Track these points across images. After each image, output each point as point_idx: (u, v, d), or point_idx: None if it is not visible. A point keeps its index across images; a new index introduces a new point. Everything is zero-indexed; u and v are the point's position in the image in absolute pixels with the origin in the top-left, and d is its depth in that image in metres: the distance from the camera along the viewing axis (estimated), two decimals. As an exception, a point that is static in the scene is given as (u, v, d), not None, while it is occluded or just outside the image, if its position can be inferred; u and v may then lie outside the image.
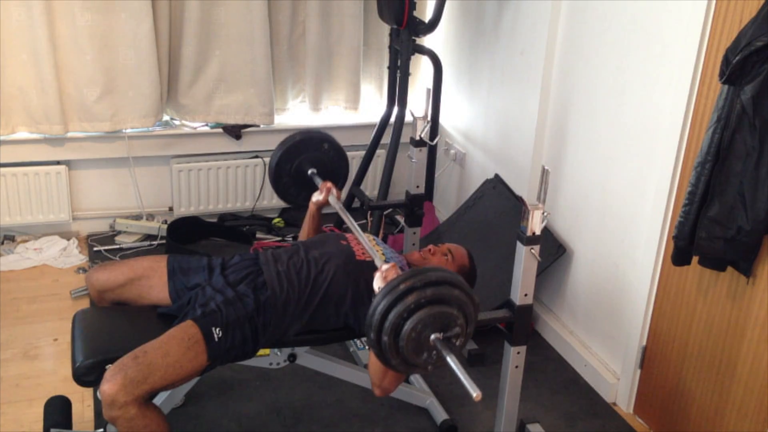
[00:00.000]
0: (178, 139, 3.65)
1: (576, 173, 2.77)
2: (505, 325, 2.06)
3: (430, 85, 3.32)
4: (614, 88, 2.52)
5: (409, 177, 2.74)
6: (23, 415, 2.38)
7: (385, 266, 1.88)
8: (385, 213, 3.73)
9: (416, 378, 2.62)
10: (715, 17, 2.05)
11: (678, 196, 2.25)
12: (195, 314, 1.94)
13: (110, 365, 1.82)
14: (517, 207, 2.98)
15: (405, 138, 3.11)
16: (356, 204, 3.59)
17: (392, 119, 3.38)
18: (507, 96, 3.20)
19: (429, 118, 2.63)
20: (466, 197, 3.42)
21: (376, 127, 3.51)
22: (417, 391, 2.51)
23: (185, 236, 3.57)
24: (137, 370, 1.76)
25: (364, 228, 3.47)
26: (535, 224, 1.87)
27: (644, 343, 2.48)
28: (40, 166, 3.46)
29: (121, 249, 3.53)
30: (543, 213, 1.87)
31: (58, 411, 2.17)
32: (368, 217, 3.57)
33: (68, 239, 3.56)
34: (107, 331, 2.06)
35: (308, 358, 2.27)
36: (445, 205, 3.91)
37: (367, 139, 3.56)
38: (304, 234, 2.50)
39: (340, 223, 3.57)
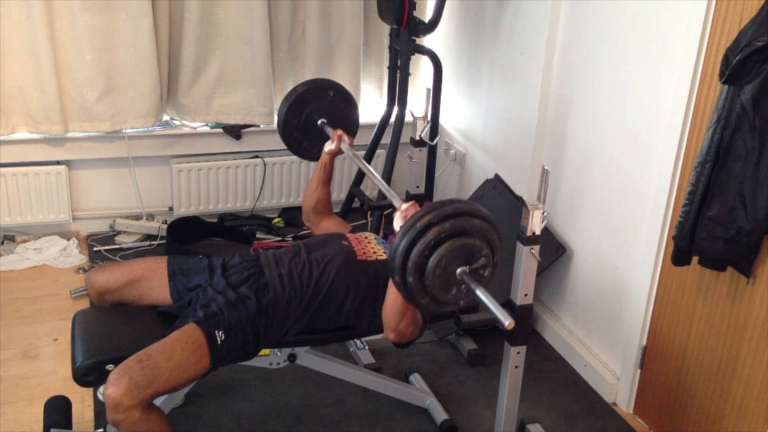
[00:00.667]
0: (178, 139, 3.65)
1: (576, 173, 2.77)
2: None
3: (430, 85, 3.32)
4: (614, 88, 2.52)
5: (409, 177, 2.74)
6: (23, 415, 2.38)
7: (404, 205, 1.84)
8: (385, 213, 3.72)
9: (416, 378, 2.62)
10: (715, 17, 2.05)
11: (678, 196, 2.25)
12: (197, 316, 1.93)
13: (110, 365, 1.82)
14: (517, 207, 2.97)
15: (405, 138, 3.11)
16: (356, 204, 3.60)
17: (392, 119, 3.38)
18: (507, 96, 3.20)
19: (429, 118, 2.63)
20: (466, 197, 3.43)
21: (376, 127, 3.51)
22: (417, 391, 2.52)
23: (185, 236, 3.57)
24: (142, 374, 1.75)
25: (363, 228, 3.47)
26: (535, 224, 1.87)
27: (644, 343, 2.48)
28: (40, 166, 3.46)
29: (121, 249, 3.53)
30: (543, 213, 1.87)
31: (58, 411, 2.17)
32: (368, 217, 3.56)
33: (68, 239, 3.56)
34: (107, 331, 2.06)
35: (308, 358, 2.27)
36: (445, 205, 3.91)
37: (367, 139, 3.56)
38: (312, 185, 2.46)
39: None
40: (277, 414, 2.46)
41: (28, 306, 3.04)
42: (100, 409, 2.31)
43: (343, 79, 3.81)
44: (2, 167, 3.39)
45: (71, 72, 3.31)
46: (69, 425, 2.14)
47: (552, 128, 2.91)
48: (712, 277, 2.15)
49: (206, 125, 3.70)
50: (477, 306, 2.28)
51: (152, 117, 3.49)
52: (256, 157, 3.79)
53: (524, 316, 2.00)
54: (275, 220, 3.86)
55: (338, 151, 2.44)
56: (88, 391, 2.46)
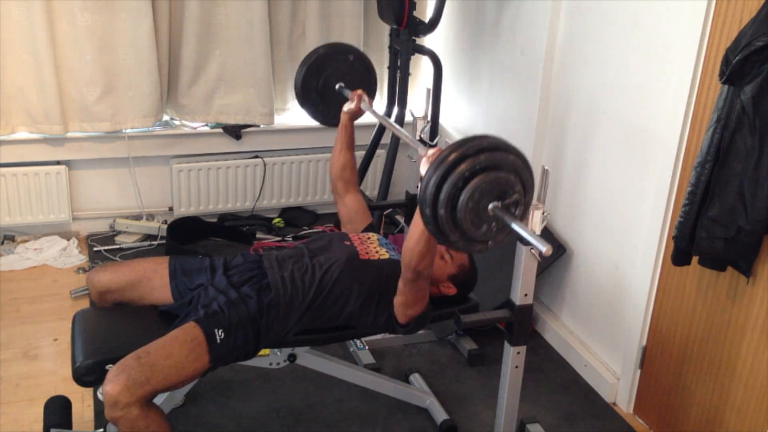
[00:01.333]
0: (178, 139, 3.65)
1: (576, 173, 2.77)
2: (505, 325, 2.06)
3: (430, 85, 3.31)
4: (614, 88, 2.52)
5: (409, 177, 2.74)
6: (23, 415, 2.38)
7: (430, 150, 1.80)
8: (385, 213, 3.73)
9: (416, 378, 2.62)
10: (715, 17, 2.05)
11: (678, 196, 2.25)
12: (197, 315, 1.94)
13: (110, 365, 1.82)
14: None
15: (405, 138, 3.10)
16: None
17: (392, 119, 3.37)
18: (507, 96, 3.20)
19: (429, 118, 2.62)
20: (466, 197, 3.42)
21: (376, 127, 3.51)
22: (417, 391, 2.52)
23: (185, 236, 3.57)
24: (140, 372, 1.76)
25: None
26: (535, 224, 1.87)
27: (644, 343, 2.48)
28: (40, 166, 3.46)
29: (121, 249, 3.53)
30: (543, 213, 1.87)
31: (58, 411, 2.17)
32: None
33: (68, 239, 3.56)
34: (107, 331, 2.06)
35: (308, 358, 2.27)
36: (445, 205, 3.91)
37: (367, 139, 3.55)
38: (337, 149, 2.42)
39: (339, 223, 3.56)
40: (277, 414, 2.46)
41: (28, 306, 3.04)
42: (100, 409, 2.31)
43: (343, 79, 3.81)
44: (2, 167, 3.39)
45: (71, 72, 3.31)
46: (69, 425, 2.15)
47: (552, 128, 2.91)
48: (712, 277, 2.15)
49: (206, 125, 3.70)
50: (477, 306, 2.28)
51: (152, 117, 3.49)
52: (256, 157, 3.79)
53: (524, 316, 2.00)
54: (275, 220, 3.86)
55: (358, 110, 2.38)
56: (88, 391, 2.46)
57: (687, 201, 1.98)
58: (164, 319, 2.06)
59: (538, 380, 2.71)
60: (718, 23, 2.04)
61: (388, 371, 2.68)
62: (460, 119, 3.68)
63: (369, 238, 2.28)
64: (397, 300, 2.01)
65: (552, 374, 2.77)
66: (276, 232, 3.76)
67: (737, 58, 1.77)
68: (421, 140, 2.62)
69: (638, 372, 2.52)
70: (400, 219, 3.76)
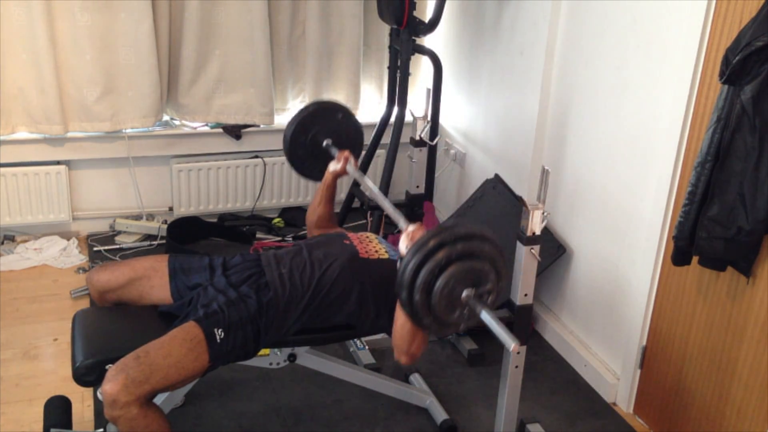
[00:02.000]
0: (178, 139, 3.65)
1: (576, 173, 2.77)
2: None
3: (430, 85, 3.32)
4: (614, 88, 2.52)
5: (409, 177, 2.74)
6: (23, 415, 2.38)
7: (411, 227, 1.85)
8: (384, 213, 3.73)
9: (416, 378, 2.62)
10: (715, 17, 2.05)
11: (678, 196, 2.25)
12: (197, 315, 1.94)
13: (110, 365, 1.82)
14: (517, 207, 2.97)
15: (405, 138, 3.11)
16: (356, 204, 3.60)
17: (392, 119, 3.37)
18: (507, 96, 3.20)
19: (429, 118, 2.63)
20: (466, 197, 3.42)
21: (376, 127, 3.51)
22: (417, 391, 2.52)
23: (185, 236, 3.57)
24: (139, 371, 1.76)
25: (363, 228, 3.47)
26: (535, 224, 1.87)
27: (644, 343, 2.48)
28: (40, 166, 3.46)
29: (121, 249, 3.53)
30: (543, 213, 1.87)
31: (58, 411, 2.17)
32: (368, 217, 3.56)
33: (68, 239, 3.56)
34: (107, 331, 2.06)
35: (308, 358, 2.27)
36: (445, 205, 3.91)
37: (367, 139, 3.55)
38: (315, 203, 2.47)
39: (341, 222, 3.56)
40: (277, 414, 2.46)
41: (28, 306, 3.04)
42: (100, 409, 2.31)
43: (343, 80, 3.82)
44: (2, 167, 3.39)
45: (71, 72, 3.31)
46: (69, 425, 2.15)
47: (552, 128, 2.91)
48: (712, 277, 2.15)
49: (206, 125, 3.70)
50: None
51: (152, 117, 3.49)
52: (256, 157, 3.79)
53: (524, 316, 2.00)
54: (275, 220, 3.86)
55: (343, 172, 2.45)
56: (88, 391, 2.46)
57: (687, 201, 1.98)
58: (164, 319, 2.07)
59: (538, 380, 2.71)
60: (718, 23, 2.04)
61: (388, 371, 2.68)
62: (460, 119, 3.68)
63: (368, 237, 2.28)
64: (397, 353, 1.94)
65: (552, 374, 2.77)
66: (276, 232, 3.76)
67: (737, 58, 1.77)
68: (420, 140, 2.62)
69: (638, 372, 2.52)
70: (400, 219, 3.75)
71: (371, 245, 2.21)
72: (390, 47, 3.37)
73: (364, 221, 3.66)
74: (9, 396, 2.48)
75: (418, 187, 2.70)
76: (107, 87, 3.37)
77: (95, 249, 3.51)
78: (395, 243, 3.53)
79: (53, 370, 2.63)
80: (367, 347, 2.78)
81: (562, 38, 2.80)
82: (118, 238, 3.60)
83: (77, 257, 3.45)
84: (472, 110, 3.55)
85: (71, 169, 3.55)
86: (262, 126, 3.73)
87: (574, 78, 2.74)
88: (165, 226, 3.57)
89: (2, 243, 3.52)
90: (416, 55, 3.33)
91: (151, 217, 3.76)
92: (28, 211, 3.50)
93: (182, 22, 3.43)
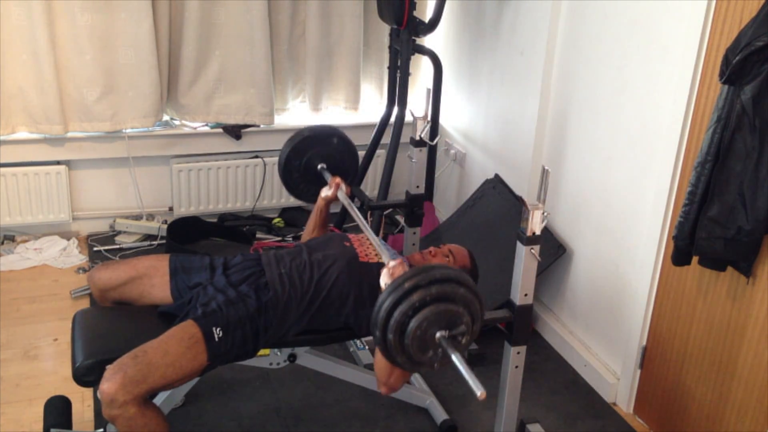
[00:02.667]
0: (178, 139, 3.65)
1: (576, 173, 2.77)
2: (505, 325, 2.06)
3: (430, 85, 3.32)
4: (614, 88, 2.52)
5: (409, 177, 2.73)
6: (23, 415, 2.38)
7: (392, 262, 1.88)
8: (385, 213, 3.73)
9: (416, 378, 2.62)
10: (715, 17, 2.05)
11: (678, 196, 2.25)
12: (196, 314, 1.94)
13: (110, 365, 1.82)
14: (517, 207, 2.98)
15: (405, 138, 3.10)
16: (356, 204, 3.59)
17: (392, 119, 3.38)
18: (507, 96, 3.20)
19: (429, 118, 2.63)
20: (466, 197, 3.42)
21: (376, 127, 3.51)
22: (417, 391, 2.51)
23: (185, 236, 3.57)
24: (137, 370, 1.76)
25: (364, 228, 3.47)
26: (535, 224, 1.87)
27: (644, 343, 2.48)
28: (40, 166, 3.46)
29: (121, 249, 3.53)
30: (543, 213, 1.87)
31: (58, 411, 2.17)
32: (368, 217, 3.57)
33: (68, 239, 3.56)
34: (107, 331, 2.06)
35: (308, 358, 2.27)
36: (445, 205, 3.91)
37: (367, 139, 3.56)
38: (309, 229, 2.50)
39: (340, 224, 3.57)
40: (277, 414, 2.46)
41: (28, 306, 3.04)
42: (100, 409, 2.29)
43: (343, 79, 3.82)
44: (2, 167, 3.39)
45: (71, 72, 3.31)
46: (69, 425, 2.15)
47: (552, 128, 2.91)
48: (712, 277, 2.15)
49: (206, 125, 3.70)
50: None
51: (152, 117, 3.49)
52: (256, 157, 3.79)
53: (524, 316, 2.00)
54: (275, 220, 3.86)
55: (334, 198, 2.47)
56: (88, 391, 2.46)
57: (687, 201, 1.98)
58: (164, 319, 2.07)
59: (538, 380, 2.71)
60: (718, 23, 2.04)
61: (388, 371, 2.68)
62: (460, 119, 3.68)
63: (368, 239, 2.28)
64: (378, 383, 1.97)
65: (552, 374, 2.77)
66: (276, 232, 3.76)
67: (737, 58, 1.77)
68: (420, 140, 2.62)
69: (638, 372, 2.52)
70: (400, 219, 3.76)
71: (371, 248, 2.21)
72: (390, 47, 3.37)
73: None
74: (9, 396, 2.48)
75: (418, 187, 2.70)
76: (107, 87, 3.37)
77: (95, 249, 3.51)
78: (395, 244, 3.55)
79: (53, 370, 2.63)
80: (367, 347, 2.78)
81: (562, 38, 2.80)
82: (118, 238, 3.60)
83: (77, 257, 3.45)
84: (472, 110, 3.55)
85: (71, 169, 3.55)
86: (262, 126, 3.73)
87: (574, 78, 2.74)
88: (165, 226, 3.57)
89: (2, 243, 3.52)
90: (416, 55, 3.33)
91: (151, 217, 3.76)
92: (28, 211, 3.50)
93: (182, 22, 3.43)
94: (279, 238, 3.70)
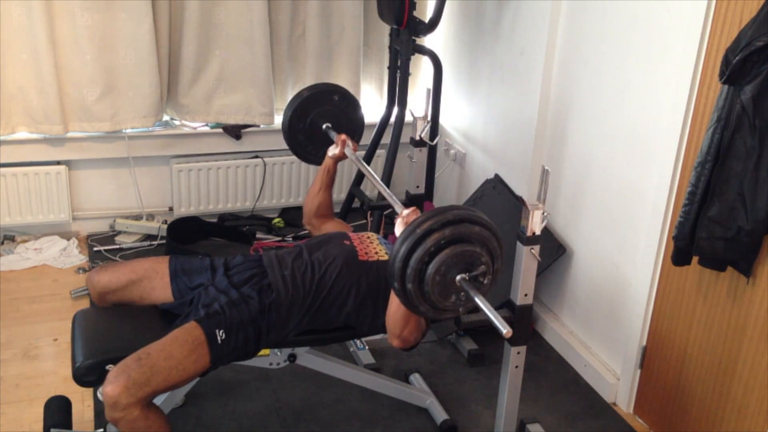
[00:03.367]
0: (178, 139, 3.65)
1: (576, 173, 2.77)
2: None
3: (430, 85, 3.31)
4: (614, 88, 2.52)
5: (409, 177, 2.74)
6: (23, 415, 2.38)
7: (405, 211, 1.85)
8: (385, 213, 3.72)
9: (416, 378, 2.62)
10: (715, 17, 2.05)
11: (678, 196, 2.25)
12: (198, 315, 1.93)
13: (111, 366, 1.82)
14: (517, 207, 2.97)
15: (405, 138, 3.10)
16: (356, 204, 3.60)
17: (392, 119, 3.37)
18: (507, 96, 3.20)
19: (429, 118, 2.63)
20: (466, 197, 3.42)
21: (376, 127, 3.51)
22: (417, 391, 2.52)
23: (185, 236, 3.57)
24: (140, 373, 1.76)
25: (363, 228, 3.47)
26: (535, 224, 1.87)
27: (644, 343, 2.48)
28: (40, 166, 3.46)
29: (121, 249, 3.53)
30: (543, 213, 1.87)
31: (58, 411, 2.17)
32: (368, 217, 3.56)
33: (68, 239, 3.56)
34: (107, 331, 2.06)
35: (308, 358, 2.27)
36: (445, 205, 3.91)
37: (367, 139, 3.55)
38: (315, 189, 2.47)
39: (344, 214, 3.56)
40: (277, 414, 2.46)
41: (28, 306, 3.03)
42: (100, 409, 2.31)
43: (343, 80, 3.81)
44: (2, 167, 3.39)
45: (71, 72, 3.31)
46: (69, 425, 2.14)
47: (552, 128, 2.91)
48: (712, 277, 2.15)
49: (206, 125, 3.70)
50: (477, 306, 2.28)
51: (152, 117, 3.48)
52: (256, 157, 3.79)
53: (524, 316, 2.00)
54: (275, 220, 3.86)
55: (342, 156, 2.45)
56: (88, 391, 2.46)
57: (687, 201, 1.98)
58: (165, 319, 2.06)
59: (538, 380, 2.71)
60: (718, 23, 2.04)
61: (388, 371, 2.68)
62: (460, 119, 3.68)
63: (369, 237, 2.28)
64: (390, 336, 1.96)
65: (552, 374, 2.77)
66: (276, 232, 3.76)
67: (737, 58, 1.77)
68: (420, 140, 2.62)
69: (638, 372, 2.52)
70: (400, 219, 3.75)
71: (371, 246, 2.21)
72: (390, 47, 3.37)
73: (364, 221, 3.67)
74: (9, 396, 2.48)
75: (418, 187, 2.70)
76: (107, 87, 3.37)
77: (95, 249, 3.51)
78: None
79: (53, 370, 2.63)
80: (367, 347, 2.78)
81: (562, 38, 2.80)
82: (118, 238, 3.60)
83: (77, 257, 3.45)
84: (472, 110, 3.55)
85: (71, 169, 3.55)
86: (262, 126, 3.73)
87: (574, 78, 2.74)
88: (165, 226, 3.57)
89: (2, 243, 3.52)
90: (416, 55, 3.33)
91: (151, 217, 3.76)
92: (28, 211, 3.50)
93: (182, 22, 3.43)
94: (279, 238, 3.70)
